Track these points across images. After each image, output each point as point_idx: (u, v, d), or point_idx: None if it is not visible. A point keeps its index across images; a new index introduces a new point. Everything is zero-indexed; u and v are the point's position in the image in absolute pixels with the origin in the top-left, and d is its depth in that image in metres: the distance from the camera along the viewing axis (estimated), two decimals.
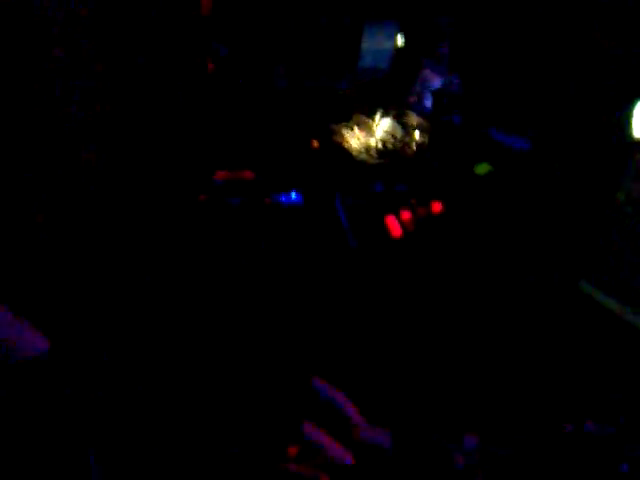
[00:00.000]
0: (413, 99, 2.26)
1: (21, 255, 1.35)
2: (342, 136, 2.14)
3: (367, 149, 2.14)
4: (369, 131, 2.20)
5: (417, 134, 2.18)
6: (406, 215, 1.74)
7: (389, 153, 2.13)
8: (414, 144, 2.14)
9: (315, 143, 2.01)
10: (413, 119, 2.22)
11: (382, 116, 2.22)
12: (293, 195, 1.76)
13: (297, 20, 2.02)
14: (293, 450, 0.82)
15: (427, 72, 2.28)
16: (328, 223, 1.74)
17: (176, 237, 1.66)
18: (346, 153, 2.07)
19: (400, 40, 2.32)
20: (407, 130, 2.19)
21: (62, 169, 1.45)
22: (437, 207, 1.77)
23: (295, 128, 2.00)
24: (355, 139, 2.17)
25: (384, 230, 1.74)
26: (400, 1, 2.26)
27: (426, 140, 2.15)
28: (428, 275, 1.63)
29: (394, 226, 1.73)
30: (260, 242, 1.66)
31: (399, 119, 2.22)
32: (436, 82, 2.31)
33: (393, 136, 2.17)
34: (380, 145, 2.16)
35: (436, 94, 2.19)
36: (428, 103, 2.22)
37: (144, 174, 1.64)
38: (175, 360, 0.94)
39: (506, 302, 1.50)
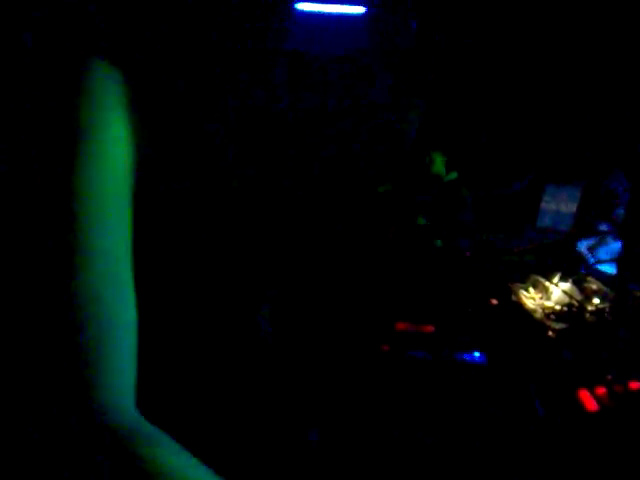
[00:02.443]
0: (594, 264, 2.21)
1: None
2: (518, 296, 2.10)
3: (543, 311, 2.08)
4: (545, 293, 2.15)
5: (597, 300, 2.09)
6: (601, 390, 1.63)
7: (567, 317, 2.05)
8: (595, 311, 2.05)
9: (494, 301, 1.99)
10: (594, 284, 2.15)
11: (560, 279, 2.17)
12: (477, 354, 1.72)
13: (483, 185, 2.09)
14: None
15: (609, 238, 2.23)
16: (513, 388, 1.66)
17: (357, 383, 1.66)
18: (524, 313, 2.02)
19: (578, 202, 2.32)
20: (587, 295, 2.11)
21: None
22: (635, 385, 1.64)
23: (474, 285, 1.99)
24: (530, 300, 2.12)
25: (576, 402, 1.63)
26: (582, 165, 2.28)
27: (608, 308, 2.05)
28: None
29: (588, 399, 1.62)
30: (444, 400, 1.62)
31: (578, 283, 2.16)
32: (617, 248, 2.25)
33: (571, 300, 2.09)
34: (557, 308, 2.09)
35: (620, 261, 2.12)
36: (611, 269, 2.15)
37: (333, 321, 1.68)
38: None
39: None
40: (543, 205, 2.22)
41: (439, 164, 2.26)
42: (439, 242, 2.21)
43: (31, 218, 0.68)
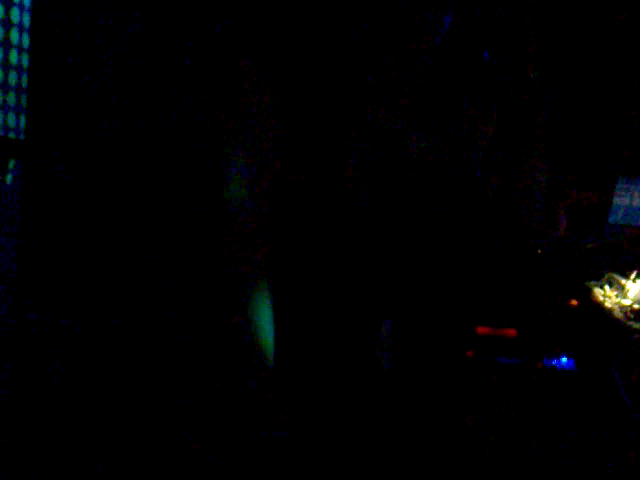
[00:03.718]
0: None
1: None
2: (595, 295, 2.02)
3: (621, 310, 2.00)
4: (622, 291, 2.07)
5: None
6: None
7: None
8: None
9: (573, 302, 1.91)
10: None
11: (637, 276, 2.08)
12: (564, 359, 1.65)
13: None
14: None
15: None
16: (608, 397, 1.59)
17: (445, 391, 1.60)
18: (603, 313, 1.94)
19: None
20: None
21: None
22: None
23: (551, 285, 1.92)
24: (607, 298, 2.04)
25: None
26: None
27: None
28: None
29: None
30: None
31: None
32: None
33: None
34: (636, 307, 2.00)
35: None
36: None
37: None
38: None
39: None
40: (616, 200, 2.13)
41: None
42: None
43: None
